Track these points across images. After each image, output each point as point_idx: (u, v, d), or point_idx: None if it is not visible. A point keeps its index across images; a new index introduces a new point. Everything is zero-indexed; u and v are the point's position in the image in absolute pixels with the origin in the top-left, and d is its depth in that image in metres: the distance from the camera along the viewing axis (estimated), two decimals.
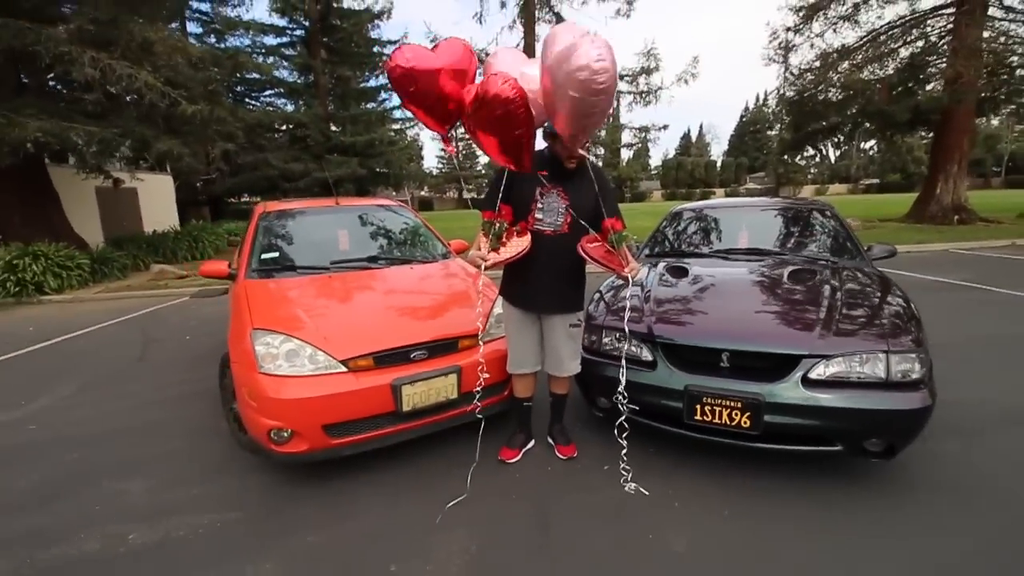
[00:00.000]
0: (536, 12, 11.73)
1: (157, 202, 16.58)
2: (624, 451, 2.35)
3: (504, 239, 2.35)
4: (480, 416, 2.47)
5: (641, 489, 2.36)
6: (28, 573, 1.98)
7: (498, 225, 2.34)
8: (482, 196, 2.58)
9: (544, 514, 2.24)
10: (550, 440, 2.79)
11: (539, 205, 2.40)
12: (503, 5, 11.68)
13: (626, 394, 2.23)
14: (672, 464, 2.57)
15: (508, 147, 2.13)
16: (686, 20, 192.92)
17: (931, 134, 15.89)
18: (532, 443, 2.80)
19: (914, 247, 10.44)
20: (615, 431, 2.28)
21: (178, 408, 3.55)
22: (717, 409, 2.29)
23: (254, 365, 2.40)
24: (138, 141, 9.94)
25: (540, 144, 2.36)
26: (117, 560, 2.03)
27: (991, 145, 54.11)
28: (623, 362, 2.29)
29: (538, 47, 11.89)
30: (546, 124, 2.27)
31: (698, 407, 2.32)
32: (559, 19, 12.12)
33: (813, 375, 2.23)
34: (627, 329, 2.43)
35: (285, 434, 2.33)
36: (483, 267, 2.29)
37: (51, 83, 10.67)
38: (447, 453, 2.74)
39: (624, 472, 2.40)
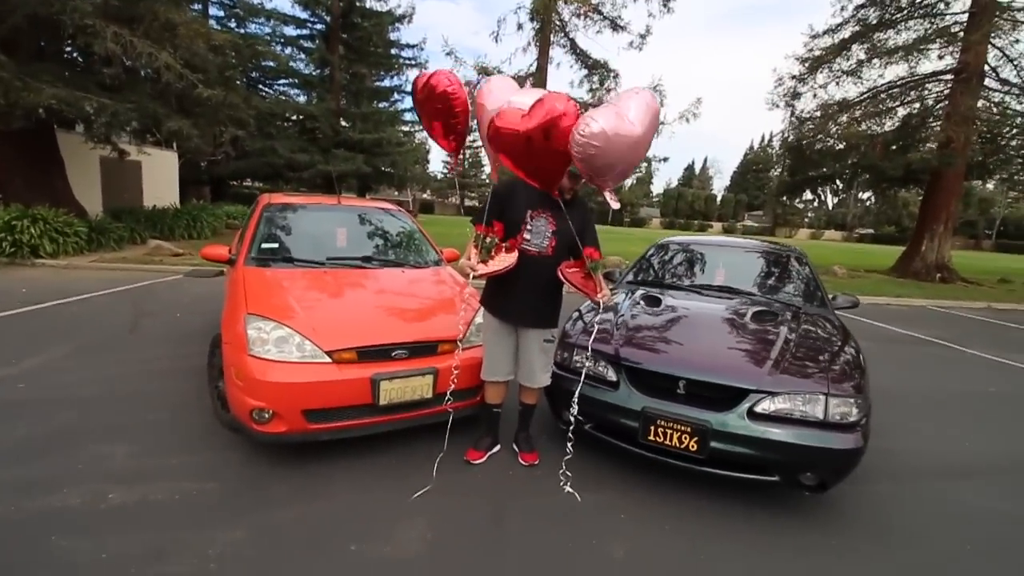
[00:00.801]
0: (551, 36, 12.08)
1: (160, 177, 16.65)
2: (567, 457, 2.60)
3: (493, 253, 2.57)
4: (450, 412, 2.64)
5: (575, 494, 2.57)
6: (15, 518, 2.12)
7: (489, 239, 2.57)
8: (480, 207, 2.83)
9: (500, 512, 2.42)
10: (515, 447, 2.97)
11: (528, 227, 2.62)
12: (520, 27, 12.03)
13: (577, 406, 2.50)
14: (624, 479, 2.76)
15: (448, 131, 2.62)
16: (699, 57, 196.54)
17: (922, 192, 16.36)
18: (498, 448, 2.97)
19: (894, 300, 10.77)
20: (566, 440, 2.49)
21: (165, 381, 3.68)
22: (669, 431, 2.48)
23: (244, 347, 2.56)
24: (149, 117, 10.10)
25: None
26: (96, 515, 2.18)
27: (984, 208, 55.45)
28: (582, 376, 2.56)
29: (551, 70, 12.24)
30: (571, 168, 2.46)
31: (652, 428, 2.51)
32: (573, 45, 12.48)
33: (758, 408, 2.43)
34: (590, 349, 2.68)
35: (267, 415, 2.49)
36: (471, 276, 2.51)
37: (69, 51, 10.83)
38: (417, 449, 2.91)
39: (564, 477, 2.63)
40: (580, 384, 2.53)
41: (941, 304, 10.79)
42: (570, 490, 2.59)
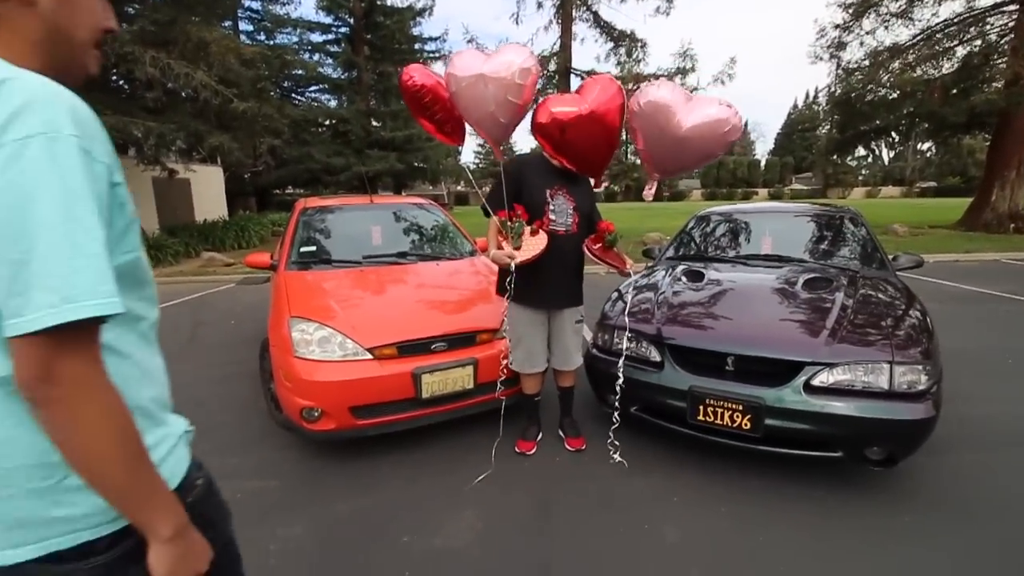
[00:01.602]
0: (573, 11, 11.76)
1: (208, 192, 17.45)
2: (614, 426, 2.63)
3: (523, 238, 2.49)
4: (501, 400, 2.69)
5: (624, 462, 2.60)
6: None
7: (517, 224, 2.46)
8: (491, 193, 2.70)
9: (548, 500, 2.40)
10: (560, 433, 2.93)
11: (551, 207, 2.55)
12: (540, 5, 11.76)
13: (620, 388, 2.49)
14: (676, 461, 2.68)
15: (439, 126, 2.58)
16: (731, 15, 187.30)
17: (990, 138, 15.09)
18: (541, 435, 2.94)
19: (962, 256, 10.03)
20: (612, 413, 2.55)
21: (223, 386, 3.86)
22: (719, 411, 2.38)
23: (290, 350, 2.63)
24: (192, 135, 10.57)
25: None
26: None
27: None
28: (623, 355, 2.55)
29: (575, 47, 11.94)
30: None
31: (701, 408, 2.42)
32: (596, 18, 12.11)
33: (816, 382, 2.29)
34: (627, 324, 2.66)
35: (316, 413, 2.56)
36: (512, 266, 2.41)
37: (114, 79, 11.43)
38: (462, 440, 2.92)
39: (612, 447, 2.65)
40: (621, 362, 2.51)
41: (1017, 256, 9.95)
42: (619, 459, 2.61)
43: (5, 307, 0.60)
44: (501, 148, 2.54)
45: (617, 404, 2.57)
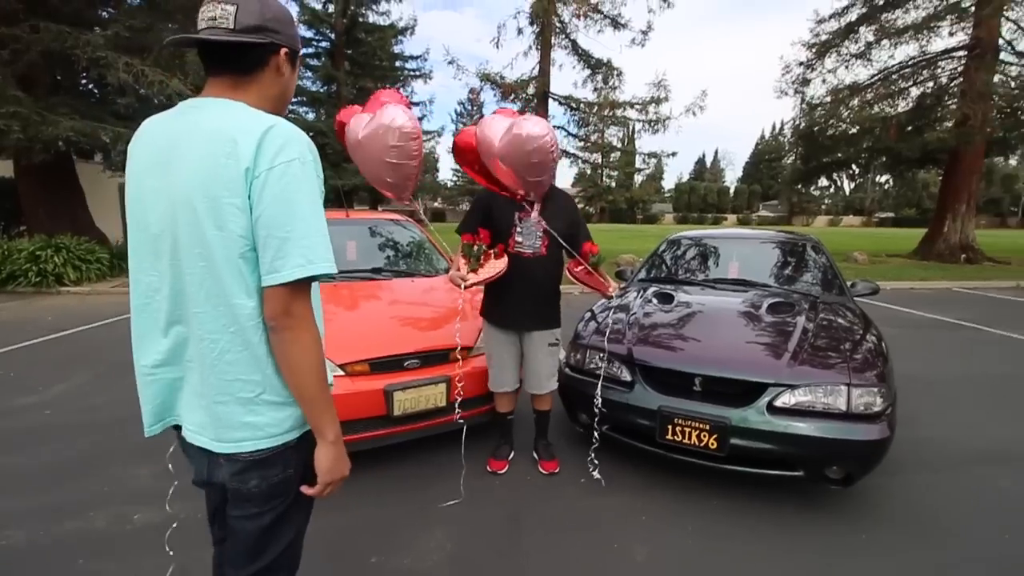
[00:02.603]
0: (552, 39, 12.07)
1: None
2: (595, 445, 2.66)
3: (482, 261, 2.56)
4: (462, 422, 2.62)
5: (601, 479, 2.64)
6: (44, 543, 2.16)
7: (476, 247, 2.56)
8: (464, 217, 2.78)
9: (520, 520, 2.40)
10: (535, 455, 2.94)
11: (518, 229, 2.60)
12: (520, 31, 12.04)
13: (599, 407, 2.51)
14: (644, 480, 2.72)
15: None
16: (703, 47, 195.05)
17: (942, 172, 15.98)
18: (513, 453, 2.95)
19: (917, 283, 10.51)
20: (591, 441, 2.49)
21: None
22: (687, 430, 2.44)
23: None
24: None
25: None
26: (122, 537, 2.21)
27: (1009, 185, 53.92)
28: (600, 377, 2.57)
29: (554, 72, 12.24)
30: None
31: (669, 427, 2.47)
32: (575, 46, 12.45)
33: (778, 403, 2.38)
34: (605, 347, 2.65)
35: None
36: (463, 287, 2.48)
37: (84, 84, 11.15)
38: (434, 459, 2.90)
39: (591, 464, 2.68)
40: (599, 384, 2.53)
41: (967, 285, 10.49)
42: (597, 475, 2.64)
43: (270, 266, 0.92)
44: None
45: (596, 424, 2.61)
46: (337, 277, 3.53)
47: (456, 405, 2.57)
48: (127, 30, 8.84)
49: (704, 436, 2.40)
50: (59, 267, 8.76)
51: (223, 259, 0.93)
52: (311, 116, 23.75)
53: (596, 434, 2.64)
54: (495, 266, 2.52)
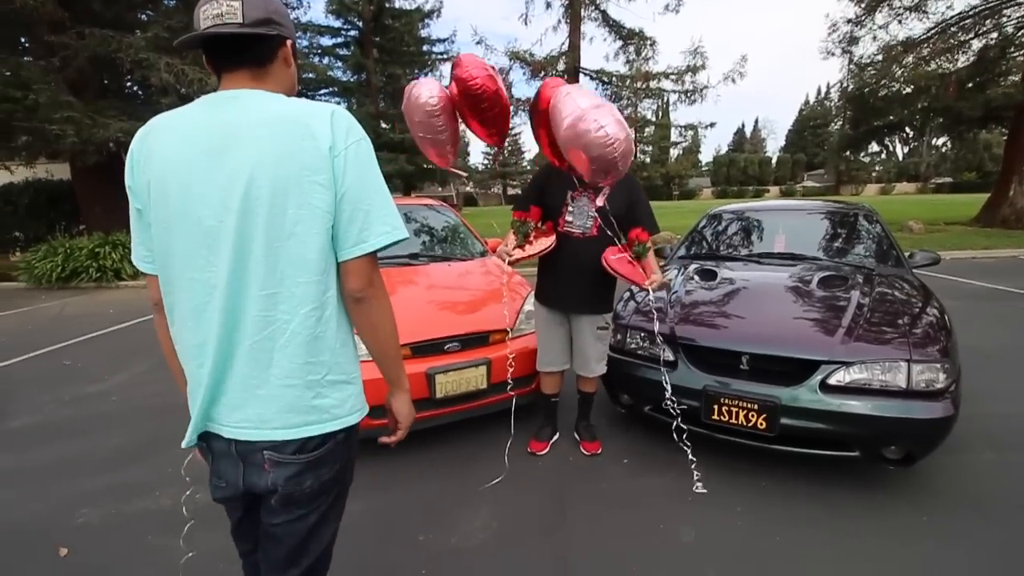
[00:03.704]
0: (582, 11, 11.73)
1: None
2: (693, 464, 2.39)
3: (532, 238, 2.54)
4: (511, 399, 2.63)
5: (704, 491, 2.38)
6: (115, 522, 2.32)
7: (525, 224, 2.54)
8: (521, 195, 2.79)
9: (563, 500, 2.40)
10: (576, 436, 2.93)
11: (569, 208, 2.55)
12: (548, 5, 11.74)
13: (675, 399, 2.31)
14: (689, 461, 2.66)
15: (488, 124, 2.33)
16: (741, 11, 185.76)
17: (1006, 132, 14.82)
18: (557, 435, 2.95)
19: (980, 252, 9.87)
20: (675, 436, 2.32)
21: None
22: (734, 410, 2.37)
23: None
24: None
25: None
26: (184, 515, 2.34)
27: None
28: (662, 368, 2.42)
29: (584, 46, 11.91)
30: None
31: (715, 407, 2.41)
32: (605, 17, 12.06)
33: (832, 380, 2.28)
34: (646, 328, 2.56)
35: None
36: (507, 262, 2.48)
37: (129, 86, 11.60)
38: (476, 439, 2.94)
39: (696, 472, 2.41)
40: (664, 373, 2.39)
41: None
42: (701, 488, 2.37)
43: (357, 238, 0.99)
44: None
45: (680, 425, 2.32)
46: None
47: (509, 381, 2.59)
48: (166, 31, 9.11)
49: (752, 416, 2.33)
50: (116, 263, 9.25)
51: (307, 235, 0.95)
52: (344, 105, 24.04)
53: (688, 449, 2.32)
54: (542, 243, 2.50)
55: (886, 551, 1.99)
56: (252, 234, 0.94)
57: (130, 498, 2.49)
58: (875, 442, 2.24)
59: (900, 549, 2.00)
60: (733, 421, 2.38)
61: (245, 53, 1.01)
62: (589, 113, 1.95)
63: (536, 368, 2.83)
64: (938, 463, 2.51)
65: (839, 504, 2.29)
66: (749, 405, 2.33)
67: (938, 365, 2.24)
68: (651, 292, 2.42)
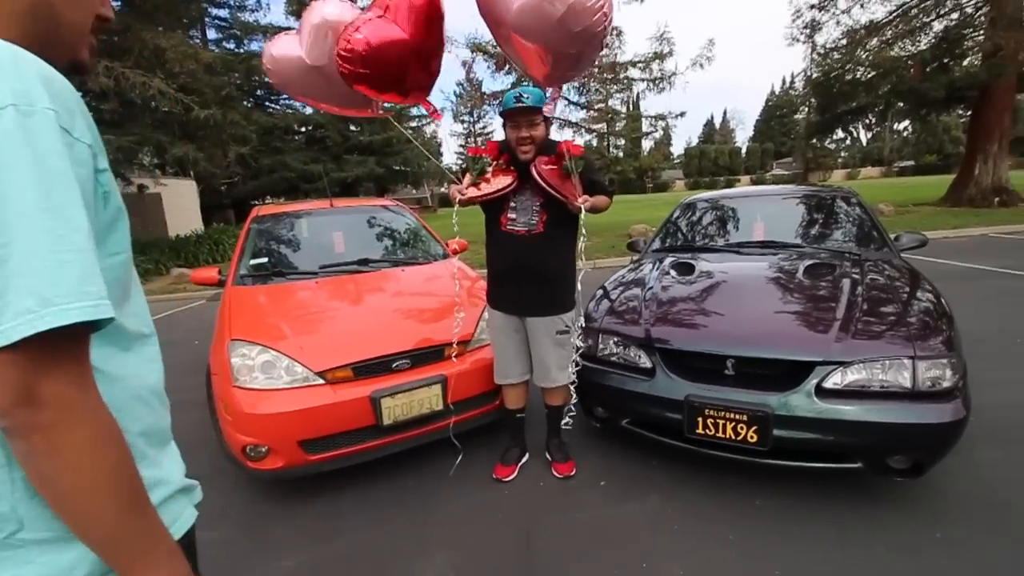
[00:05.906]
0: None
1: (181, 206, 16.91)
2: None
3: (489, 175, 2.25)
4: (452, 435, 2.38)
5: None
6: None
7: (481, 160, 2.25)
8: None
9: (532, 537, 2.08)
10: (547, 456, 2.62)
11: (512, 204, 2.26)
12: None
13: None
14: (673, 481, 2.37)
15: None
16: (706, 3, 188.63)
17: (969, 112, 15.03)
18: (527, 456, 2.64)
19: (950, 232, 9.89)
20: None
21: (175, 416, 3.49)
22: (721, 422, 2.08)
23: (229, 378, 2.29)
24: (154, 147, 10.11)
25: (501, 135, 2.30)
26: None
27: None
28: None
29: None
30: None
31: (700, 420, 2.12)
32: None
33: (828, 384, 2.01)
34: (621, 331, 2.28)
35: (262, 450, 2.22)
36: (457, 200, 2.20)
37: None
38: (433, 468, 2.59)
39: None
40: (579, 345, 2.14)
41: (1004, 230, 9.84)
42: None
43: None
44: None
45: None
46: (320, 272, 3.22)
47: (452, 406, 2.27)
48: (104, 33, 8.54)
49: (742, 428, 2.05)
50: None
51: None
52: (308, 110, 23.39)
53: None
54: (501, 181, 2.22)
55: (895, 569, 1.73)
56: None
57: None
58: (879, 452, 1.98)
59: (910, 567, 1.74)
60: (720, 435, 2.09)
61: None
62: None
63: (495, 381, 2.51)
64: (944, 466, 2.25)
65: (842, 523, 2.02)
66: (738, 416, 2.05)
67: (944, 360, 1.99)
68: (583, 209, 2.08)
